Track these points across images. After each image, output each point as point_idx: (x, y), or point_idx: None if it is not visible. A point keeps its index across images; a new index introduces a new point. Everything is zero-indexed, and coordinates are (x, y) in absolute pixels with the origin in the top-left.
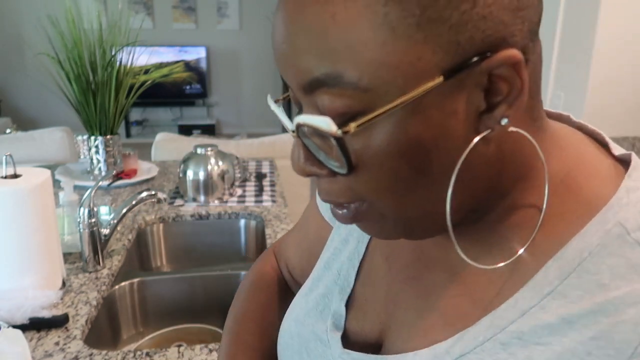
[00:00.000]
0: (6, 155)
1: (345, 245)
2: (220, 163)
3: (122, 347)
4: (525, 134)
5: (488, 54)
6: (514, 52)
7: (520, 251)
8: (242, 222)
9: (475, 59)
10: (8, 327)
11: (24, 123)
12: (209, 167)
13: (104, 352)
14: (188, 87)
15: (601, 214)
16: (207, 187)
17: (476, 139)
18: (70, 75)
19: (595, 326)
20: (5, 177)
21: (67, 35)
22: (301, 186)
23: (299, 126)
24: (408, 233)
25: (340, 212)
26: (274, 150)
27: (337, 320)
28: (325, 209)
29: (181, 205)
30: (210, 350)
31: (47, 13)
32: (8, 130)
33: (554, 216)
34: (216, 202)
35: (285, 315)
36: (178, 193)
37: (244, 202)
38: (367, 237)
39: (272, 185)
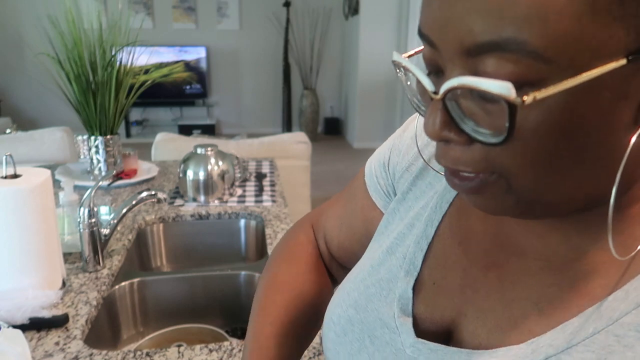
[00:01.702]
0: (6, 155)
1: (411, 229)
2: (220, 163)
3: (122, 347)
4: None
5: None
6: None
7: None
8: (242, 222)
9: None
10: (8, 327)
11: (24, 123)
12: (209, 167)
13: (104, 352)
14: (188, 87)
15: None
16: (207, 187)
17: None
18: (70, 75)
19: None
20: (5, 177)
21: (67, 35)
22: (301, 186)
23: (454, 88)
24: (526, 212)
25: (460, 182)
26: (274, 150)
27: (404, 305)
28: (377, 195)
29: (181, 205)
30: (210, 350)
31: (47, 13)
32: (8, 130)
33: None
34: (216, 202)
35: (337, 301)
36: (178, 193)
37: (244, 202)
38: (436, 220)
39: (272, 185)
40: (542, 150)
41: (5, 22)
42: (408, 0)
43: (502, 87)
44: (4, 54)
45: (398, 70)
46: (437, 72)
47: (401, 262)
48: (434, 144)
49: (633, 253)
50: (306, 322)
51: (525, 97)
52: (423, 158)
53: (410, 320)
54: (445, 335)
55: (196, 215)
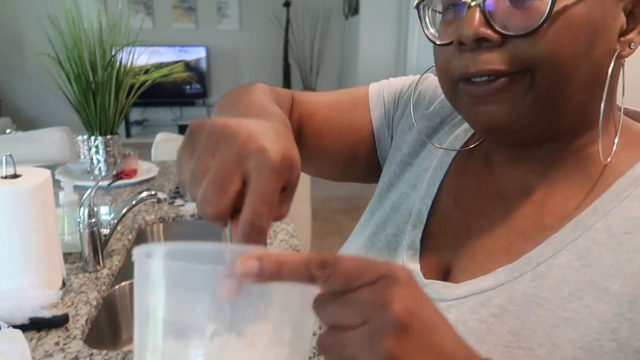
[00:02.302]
0: (6, 155)
1: (414, 190)
2: None
3: (122, 347)
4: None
5: None
6: None
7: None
8: None
9: None
10: (8, 327)
11: (24, 123)
12: None
13: (104, 352)
14: (188, 87)
15: None
16: None
17: (617, 52)
18: (70, 75)
19: None
20: (5, 177)
21: (67, 35)
22: (301, 186)
23: None
24: (537, 119)
25: (486, 85)
26: None
27: (412, 255)
28: (379, 122)
29: (181, 205)
30: None
31: (47, 13)
32: (8, 130)
33: (623, 146)
34: None
35: None
36: (178, 193)
37: None
38: (438, 179)
39: None
40: (568, 37)
41: (5, 22)
42: (408, 0)
43: None
44: (4, 54)
45: (421, 7)
46: (456, 4)
47: (407, 218)
48: (431, 118)
49: (609, 158)
50: None
51: None
52: (421, 133)
53: (418, 266)
54: (442, 278)
55: (196, 216)
